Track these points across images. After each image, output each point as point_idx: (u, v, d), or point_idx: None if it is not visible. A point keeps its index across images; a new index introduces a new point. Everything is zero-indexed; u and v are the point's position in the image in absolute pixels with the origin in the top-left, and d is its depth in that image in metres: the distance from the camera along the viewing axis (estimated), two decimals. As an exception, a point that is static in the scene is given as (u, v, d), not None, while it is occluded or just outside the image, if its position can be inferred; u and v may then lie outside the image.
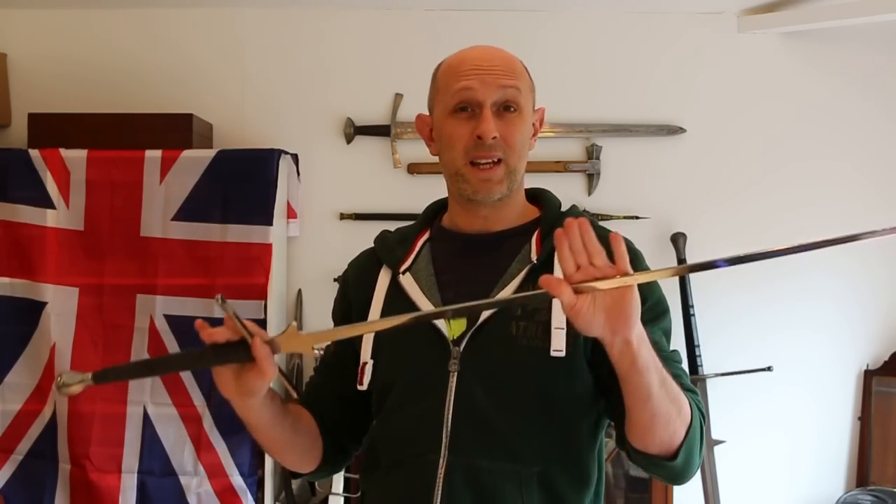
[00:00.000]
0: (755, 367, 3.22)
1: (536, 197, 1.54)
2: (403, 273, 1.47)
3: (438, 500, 1.36)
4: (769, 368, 3.21)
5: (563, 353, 1.34)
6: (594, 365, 1.38)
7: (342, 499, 3.00)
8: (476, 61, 1.42)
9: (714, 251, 3.24)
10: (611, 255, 1.17)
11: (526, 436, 1.37)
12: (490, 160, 1.40)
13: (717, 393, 3.23)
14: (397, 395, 1.44)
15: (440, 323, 1.40)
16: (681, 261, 3.22)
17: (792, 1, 3.18)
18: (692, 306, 3.20)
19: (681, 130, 3.31)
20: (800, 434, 3.36)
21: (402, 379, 1.44)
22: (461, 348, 1.39)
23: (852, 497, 3.21)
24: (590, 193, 3.30)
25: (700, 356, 3.19)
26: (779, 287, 3.31)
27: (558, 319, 1.35)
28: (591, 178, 3.31)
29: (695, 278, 3.22)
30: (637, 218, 3.26)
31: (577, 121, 3.30)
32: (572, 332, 1.32)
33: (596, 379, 1.39)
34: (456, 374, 1.38)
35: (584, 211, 1.55)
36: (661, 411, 1.25)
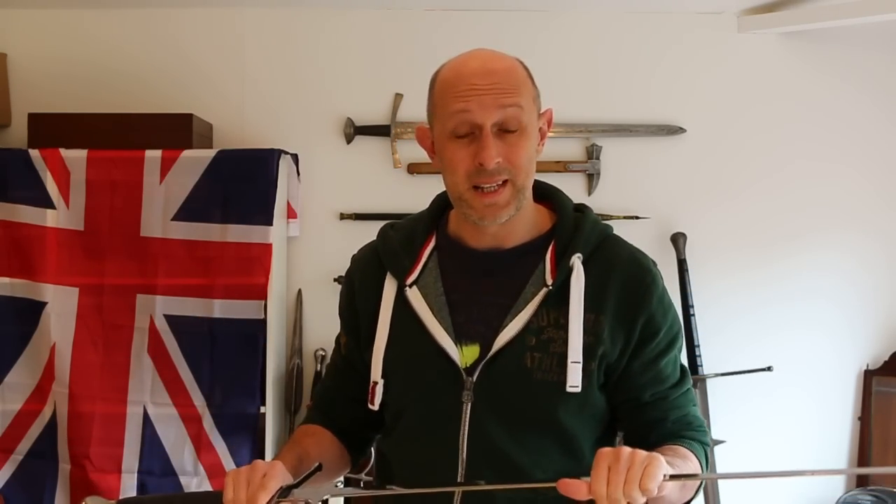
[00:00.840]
0: (755, 367, 3.22)
1: (546, 195, 1.48)
2: (410, 286, 1.42)
3: None
4: (769, 368, 3.21)
5: (578, 389, 1.33)
6: (606, 386, 1.39)
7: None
8: (473, 78, 1.33)
9: (714, 251, 3.29)
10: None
11: (541, 465, 1.36)
12: (494, 184, 1.33)
13: (717, 393, 3.23)
14: (409, 422, 1.43)
15: (452, 350, 1.37)
16: (681, 261, 3.23)
17: (792, 1, 3.18)
18: (692, 306, 3.20)
19: (681, 130, 3.31)
20: (800, 434, 3.36)
21: (414, 407, 1.42)
22: (474, 378, 1.36)
23: (852, 497, 3.21)
24: (590, 193, 3.30)
25: (700, 356, 3.19)
26: (779, 287, 3.31)
27: (574, 352, 1.33)
28: (591, 178, 3.31)
29: (695, 278, 3.22)
30: (637, 218, 3.26)
31: (577, 121, 3.30)
32: (588, 366, 1.34)
33: (607, 398, 1.41)
34: (469, 404, 1.36)
35: (599, 216, 1.53)
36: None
